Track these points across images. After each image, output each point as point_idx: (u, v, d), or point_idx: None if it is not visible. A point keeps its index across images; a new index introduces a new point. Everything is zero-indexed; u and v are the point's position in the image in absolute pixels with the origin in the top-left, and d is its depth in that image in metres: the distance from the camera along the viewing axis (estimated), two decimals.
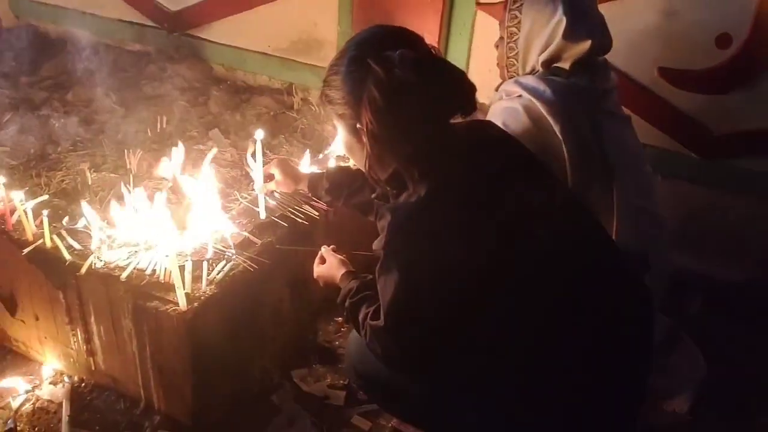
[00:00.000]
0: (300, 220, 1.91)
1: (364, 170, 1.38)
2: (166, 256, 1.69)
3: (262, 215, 1.91)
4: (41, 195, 1.98)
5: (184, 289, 1.59)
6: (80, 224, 1.81)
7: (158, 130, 2.58)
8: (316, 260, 1.71)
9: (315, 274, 1.70)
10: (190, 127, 2.72)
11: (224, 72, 3.25)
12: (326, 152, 2.30)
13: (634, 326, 1.36)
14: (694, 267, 2.40)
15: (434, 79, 1.22)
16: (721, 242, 2.47)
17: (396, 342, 1.32)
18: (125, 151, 2.27)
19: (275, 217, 1.91)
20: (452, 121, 1.32)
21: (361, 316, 1.44)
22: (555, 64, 1.82)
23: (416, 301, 1.26)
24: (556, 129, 1.72)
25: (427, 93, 1.22)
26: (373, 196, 1.57)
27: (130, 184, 1.99)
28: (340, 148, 2.30)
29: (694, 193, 2.41)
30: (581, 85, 1.79)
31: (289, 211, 1.94)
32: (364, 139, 1.30)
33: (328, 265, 1.66)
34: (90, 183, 2.10)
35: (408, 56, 1.20)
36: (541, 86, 1.74)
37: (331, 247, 1.72)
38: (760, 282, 2.46)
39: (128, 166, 2.22)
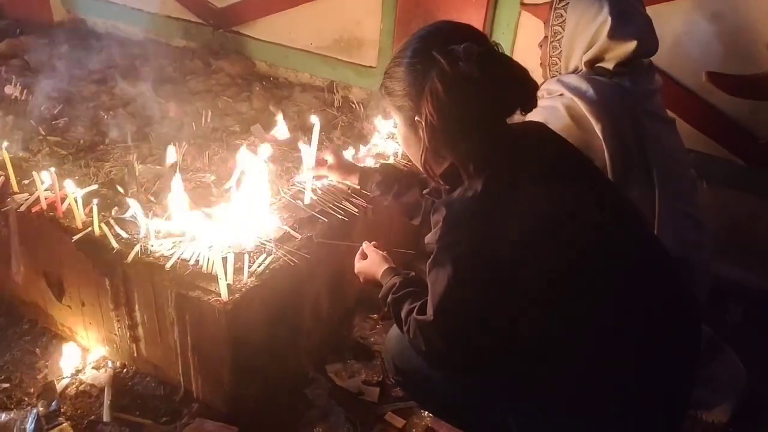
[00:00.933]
0: (340, 216, 1.93)
1: (418, 164, 1.39)
2: (210, 247, 1.73)
3: (307, 200, 1.95)
4: (90, 185, 2.04)
5: (226, 280, 1.62)
6: (128, 214, 1.86)
7: (202, 125, 2.63)
8: (357, 255, 1.73)
9: (356, 270, 1.72)
10: (232, 122, 2.77)
11: (267, 68, 3.30)
12: (367, 148, 2.32)
13: (684, 332, 1.34)
14: (735, 276, 2.36)
15: (497, 74, 1.23)
16: (763, 252, 2.41)
17: (443, 338, 1.31)
18: (171, 144, 2.33)
19: (315, 212, 1.93)
20: (510, 119, 1.33)
21: (404, 312, 1.44)
22: (598, 64, 1.80)
23: (467, 296, 1.26)
24: (597, 129, 1.71)
25: (490, 88, 1.23)
26: (425, 192, 1.58)
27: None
28: (380, 145, 2.34)
29: (738, 200, 2.37)
30: (624, 86, 1.78)
31: (330, 207, 1.96)
32: (421, 133, 1.31)
33: (370, 260, 1.67)
34: (138, 174, 2.15)
35: (473, 50, 1.21)
36: (584, 85, 1.73)
37: (373, 243, 1.73)
38: None
39: (179, 161, 2.27)
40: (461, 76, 1.21)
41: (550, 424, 1.34)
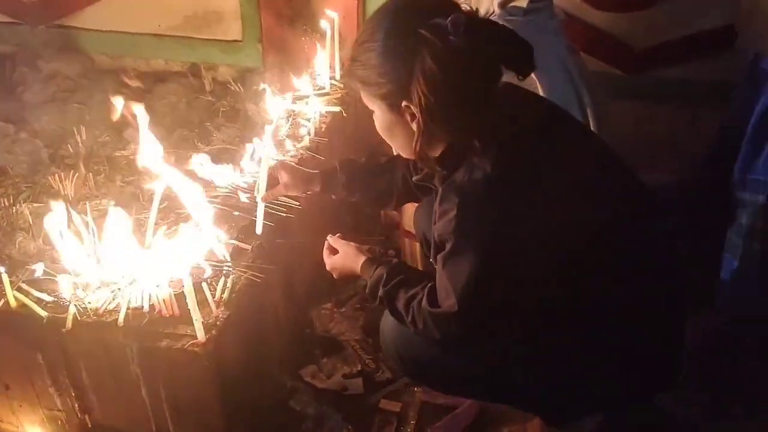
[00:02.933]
0: (284, 214, 1.77)
1: (408, 152, 1.29)
2: (157, 285, 1.51)
3: (259, 230, 1.72)
4: None
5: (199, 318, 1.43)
6: (39, 271, 1.56)
7: (77, 142, 2.26)
8: (325, 251, 1.61)
9: (328, 266, 1.60)
10: (98, 132, 2.41)
11: (110, 62, 2.90)
12: (271, 131, 2.13)
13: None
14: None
15: (487, 42, 1.14)
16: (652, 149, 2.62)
17: (465, 326, 1.27)
18: (46, 175, 1.98)
19: (254, 216, 1.76)
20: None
21: (401, 303, 1.38)
22: (511, 4, 1.79)
23: (492, 283, 1.22)
24: (535, 76, 1.71)
25: (483, 58, 1.15)
26: (415, 179, 1.47)
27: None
28: (282, 123, 2.15)
29: (630, 108, 2.52)
30: (540, 23, 1.78)
31: (267, 207, 1.79)
32: (408, 119, 1.22)
33: (343, 254, 1.56)
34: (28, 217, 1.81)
35: (460, 21, 1.11)
36: None
37: (337, 234, 1.62)
38: (689, 180, 2.65)
39: (63, 192, 1.93)
40: (455, 51, 1.12)
41: (569, 368, 1.37)
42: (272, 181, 1.72)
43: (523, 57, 1.19)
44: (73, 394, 1.59)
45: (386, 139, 1.34)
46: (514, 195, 1.19)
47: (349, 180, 1.69)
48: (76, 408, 1.62)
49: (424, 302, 1.31)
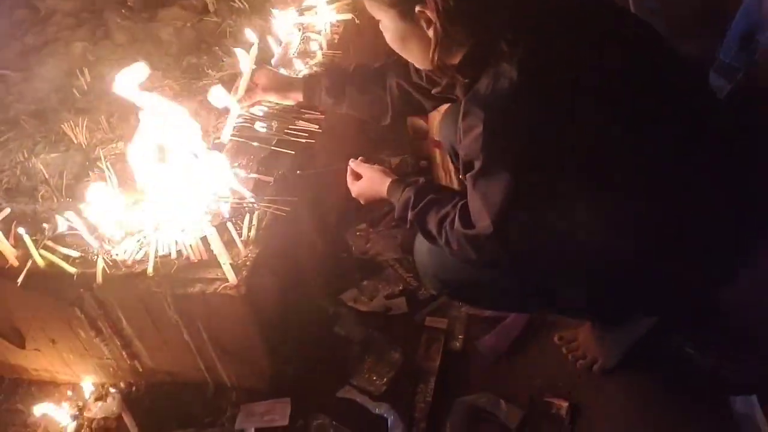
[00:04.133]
0: (303, 140, 1.68)
1: (424, 62, 1.18)
2: (182, 230, 1.46)
3: (226, 138, 1.68)
4: None
5: (228, 260, 1.38)
6: (63, 227, 1.52)
7: (83, 85, 2.16)
8: (349, 177, 1.53)
9: (354, 193, 1.52)
10: (106, 71, 2.31)
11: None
12: (282, 49, 2.00)
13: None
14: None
15: None
16: None
17: (502, 247, 1.18)
18: (58, 122, 1.91)
19: (274, 145, 1.67)
20: None
21: (433, 225, 1.30)
22: None
23: (528, 201, 1.13)
24: None
25: None
26: (433, 91, 1.34)
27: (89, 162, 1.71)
28: (294, 39, 2.02)
29: None
30: None
31: (286, 133, 1.70)
32: (424, 25, 1.10)
33: (368, 179, 1.48)
34: (43, 171, 1.76)
35: None
36: None
37: (360, 158, 1.53)
38: None
39: (75, 140, 1.87)
40: None
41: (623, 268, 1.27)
42: (250, 87, 1.67)
43: None
44: (119, 343, 1.60)
45: (398, 51, 1.22)
46: (546, 104, 1.07)
47: (333, 85, 1.59)
48: (125, 355, 1.63)
49: (457, 223, 1.23)
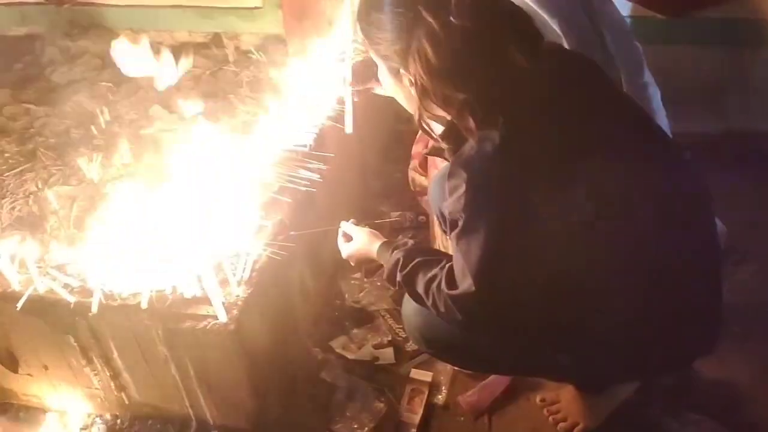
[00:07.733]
0: (303, 188, 1.74)
1: (413, 113, 1.25)
2: (180, 267, 1.52)
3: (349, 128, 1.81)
4: None
5: (220, 299, 1.43)
6: (66, 257, 1.58)
7: (102, 124, 2.26)
8: (340, 239, 1.58)
9: (344, 254, 1.57)
10: (124, 110, 2.42)
11: (135, 37, 2.89)
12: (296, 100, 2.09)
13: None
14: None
15: (492, 19, 1.08)
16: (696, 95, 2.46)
17: (485, 306, 1.21)
18: (75, 157, 2.00)
19: (274, 193, 1.73)
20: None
21: (421, 287, 1.32)
22: None
23: (508, 260, 1.16)
24: (554, 25, 1.60)
25: (484, 36, 1.08)
26: (424, 152, 1.41)
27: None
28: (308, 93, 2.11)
29: (672, 53, 2.37)
30: None
31: (286, 180, 1.76)
32: (411, 89, 1.17)
33: (358, 241, 1.53)
34: (52, 202, 1.84)
35: (465, 2, 1.04)
36: None
37: (351, 220, 1.59)
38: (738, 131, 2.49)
39: (87, 175, 1.95)
40: (453, 34, 1.06)
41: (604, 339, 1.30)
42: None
43: (528, 35, 1.11)
44: (108, 374, 1.64)
45: (391, 95, 1.30)
46: (524, 167, 1.12)
47: None
48: (113, 386, 1.67)
49: (443, 284, 1.25)
